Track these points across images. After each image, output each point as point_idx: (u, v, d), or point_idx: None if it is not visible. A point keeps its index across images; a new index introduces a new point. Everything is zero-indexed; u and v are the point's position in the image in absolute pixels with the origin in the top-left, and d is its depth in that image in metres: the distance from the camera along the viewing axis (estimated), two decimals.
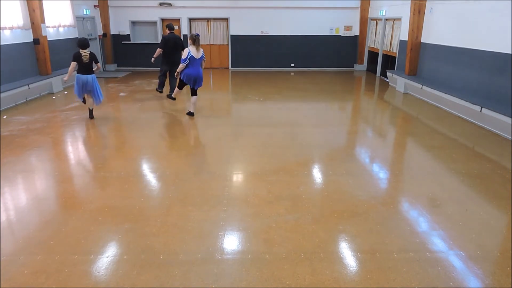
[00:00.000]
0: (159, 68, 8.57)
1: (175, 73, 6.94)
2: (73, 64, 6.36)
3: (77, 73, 6.48)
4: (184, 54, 6.50)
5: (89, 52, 6.42)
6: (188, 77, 6.67)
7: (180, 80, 6.82)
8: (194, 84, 6.81)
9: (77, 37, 11.32)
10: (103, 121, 6.93)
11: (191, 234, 3.31)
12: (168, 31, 8.22)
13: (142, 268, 2.85)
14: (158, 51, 8.15)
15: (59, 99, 8.75)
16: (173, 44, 8.11)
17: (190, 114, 7.13)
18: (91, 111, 6.92)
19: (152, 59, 8.34)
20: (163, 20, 13.22)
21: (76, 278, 2.75)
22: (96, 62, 6.54)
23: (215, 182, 4.36)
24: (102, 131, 6.43)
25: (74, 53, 6.36)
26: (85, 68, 6.43)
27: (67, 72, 9.91)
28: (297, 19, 13.18)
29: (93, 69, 6.53)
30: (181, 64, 6.56)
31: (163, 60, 8.31)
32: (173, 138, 6.19)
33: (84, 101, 6.92)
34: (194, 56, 6.50)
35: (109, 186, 4.30)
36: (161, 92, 8.80)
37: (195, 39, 6.52)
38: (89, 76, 6.50)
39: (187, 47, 6.64)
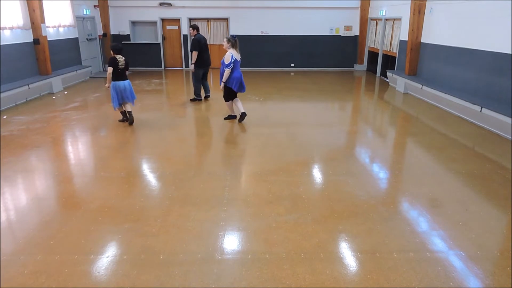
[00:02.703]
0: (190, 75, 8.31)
1: (221, 86, 6.46)
2: (110, 69, 6.09)
3: (113, 80, 6.21)
4: (228, 59, 6.17)
5: (124, 58, 6.21)
6: (237, 81, 6.39)
7: (228, 90, 6.47)
8: (241, 88, 6.52)
9: (77, 37, 11.35)
10: (103, 120, 6.93)
11: (191, 234, 3.31)
12: (195, 32, 8.01)
13: (142, 268, 2.85)
14: (195, 54, 7.87)
15: (59, 99, 8.75)
16: (204, 44, 8.00)
17: (244, 115, 6.70)
18: (130, 113, 6.57)
19: (192, 65, 8.02)
20: (163, 20, 13.24)
21: (76, 278, 2.75)
22: (128, 68, 6.38)
23: (215, 182, 4.36)
24: (102, 131, 6.42)
25: (111, 58, 6.09)
26: (120, 74, 6.21)
27: (67, 72, 10.08)
28: (297, 19, 13.18)
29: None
30: (225, 70, 6.22)
31: (198, 63, 8.03)
32: (173, 138, 6.18)
33: (124, 115, 6.59)
34: (237, 59, 6.31)
35: (109, 186, 4.29)
36: (200, 99, 8.51)
37: (235, 42, 6.29)
38: (126, 82, 6.31)
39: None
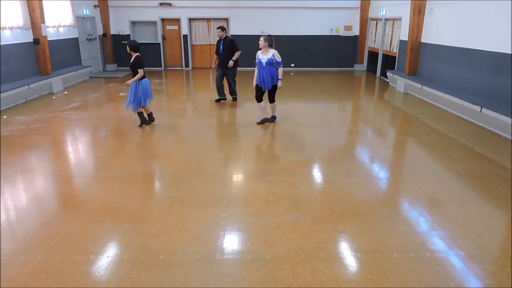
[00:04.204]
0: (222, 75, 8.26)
1: (279, 85, 6.29)
2: (142, 72, 6.01)
3: (141, 79, 6.09)
4: (279, 57, 6.12)
5: None
6: None
7: (274, 89, 6.39)
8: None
9: (77, 37, 11.35)
10: (103, 121, 6.93)
11: (191, 234, 3.31)
12: (224, 33, 8.04)
13: (142, 268, 2.85)
14: (238, 53, 7.97)
15: (59, 99, 8.75)
16: None
17: (268, 120, 6.76)
18: (151, 115, 6.58)
19: (231, 62, 8.01)
20: (163, 20, 13.24)
21: (76, 278, 2.75)
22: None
23: (215, 182, 4.36)
24: (101, 131, 6.42)
25: (141, 59, 6.01)
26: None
27: (67, 72, 10.07)
28: (297, 19, 13.18)
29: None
30: (280, 69, 6.17)
31: (235, 63, 8.07)
32: (173, 137, 6.18)
33: (144, 117, 6.48)
34: None
35: (109, 186, 4.29)
36: (225, 99, 8.48)
37: (272, 42, 6.18)
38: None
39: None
